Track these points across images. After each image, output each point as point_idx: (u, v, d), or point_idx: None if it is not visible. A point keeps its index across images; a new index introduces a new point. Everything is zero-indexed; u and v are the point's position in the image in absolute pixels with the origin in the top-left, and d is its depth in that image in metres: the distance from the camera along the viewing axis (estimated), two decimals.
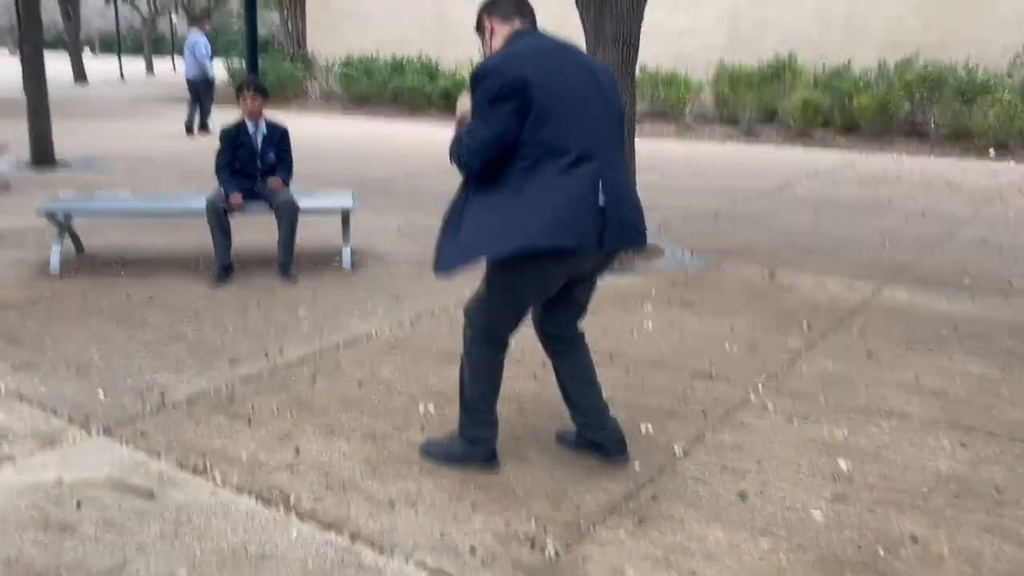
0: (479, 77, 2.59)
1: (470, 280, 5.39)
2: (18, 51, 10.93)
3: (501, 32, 2.79)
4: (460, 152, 2.62)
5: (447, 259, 2.63)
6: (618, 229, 2.63)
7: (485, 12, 2.84)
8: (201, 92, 13.89)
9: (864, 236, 6.92)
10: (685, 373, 3.91)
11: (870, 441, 3.23)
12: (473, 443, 2.93)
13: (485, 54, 2.85)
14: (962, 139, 13.33)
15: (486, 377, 2.87)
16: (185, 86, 14.23)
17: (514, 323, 2.84)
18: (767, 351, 4.22)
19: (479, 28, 2.89)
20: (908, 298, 5.17)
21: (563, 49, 2.71)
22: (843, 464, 3.04)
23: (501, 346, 2.88)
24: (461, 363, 2.93)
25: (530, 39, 2.72)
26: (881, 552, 2.50)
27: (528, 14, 2.84)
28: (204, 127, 13.92)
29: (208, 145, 11.55)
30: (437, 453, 3.01)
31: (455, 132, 2.76)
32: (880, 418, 3.44)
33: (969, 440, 3.25)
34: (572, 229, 2.53)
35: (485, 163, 2.58)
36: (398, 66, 18.94)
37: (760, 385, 3.78)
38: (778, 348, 4.26)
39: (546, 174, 2.55)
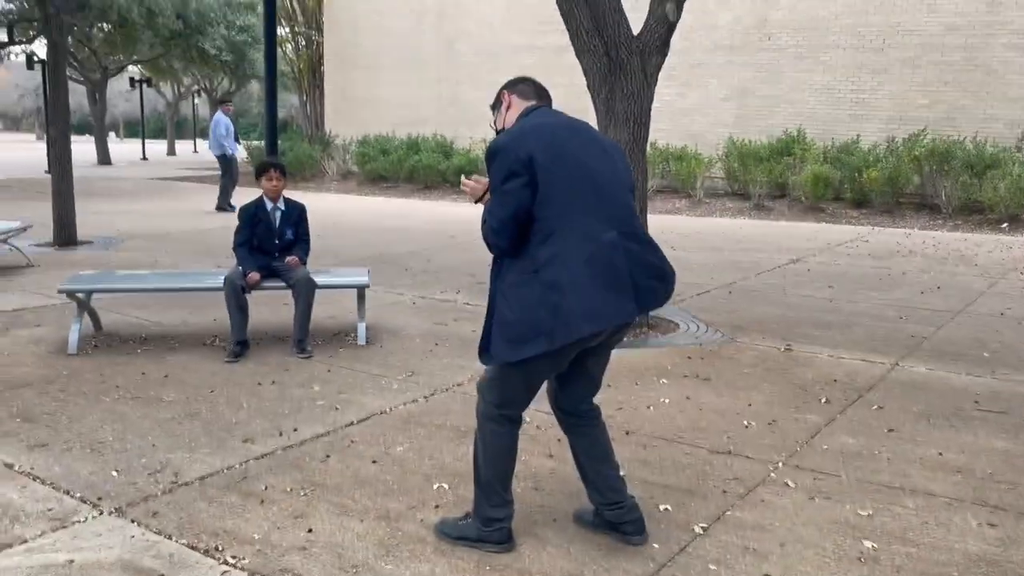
0: (491, 155, 2.68)
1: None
2: (44, 136, 11.25)
3: (517, 107, 2.90)
4: (485, 233, 2.71)
5: (494, 354, 2.71)
6: (640, 296, 2.67)
7: (506, 88, 2.96)
8: (220, 170, 14.29)
9: (879, 310, 6.89)
10: (703, 449, 3.85)
11: (895, 521, 3.15)
12: (488, 524, 2.88)
13: (497, 127, 2.95)
14: (974, 212, 13.38)
15: (501, 455, 2.85)
16: (210, 164, 14.74)
17: (528, 400, 2.83)
18: (786, 426, 4.16)
19: (496, 104, 2.99)
20: (927, 372, 5.12)
21: (573, 125, 2.80)
22: (869, 545, 2.96)
23: (515, 422, 2.87)
24: (475, 441, 2.92)
25: (541, 116, 2.81)
26: None
27: (545, 97, 2.95)
28: (221, 206, 14.20)
29: (225, 222, 11.76)
30: (452, 533, 2.96)
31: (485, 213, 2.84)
32: (905, 496, 3.36)
33: (998, 519, 3.16)
34: (601, 315, 2.59)
35: (510, 240, 2.66)
36: (413, 145, 19.36)
37: (780, 462, 3.71)
38: (797, 423, 4.20)
39: (566, 252, 2.59)
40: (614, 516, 2.94)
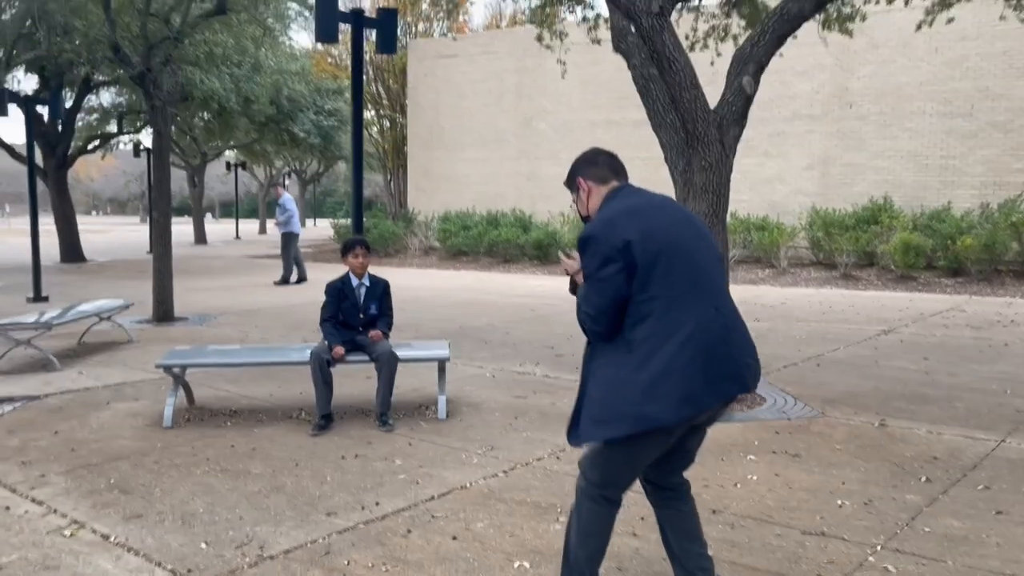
0: (584, 243, 2.65)
1: (559, 433, 5.32)
2: (147, 218, 11.93)
3: (597, 193, 2.84)
4: (582, 320, 2.69)
5: (581, 433, 2.66)
6: (739, 376, 2.63)
7: (580, 175, 2.89)
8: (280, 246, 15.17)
9: (981, 383, 6.55)
10: (795, 530, 3.69)
11: None
12: None
13: (580, 212, 2.93)
14: None
15: (595, 534, 2.78)
16: (300, 244, 15.67)
17: (630, 481, 2.77)
18: (884, 507, 3.95)
19: (572, 186, 2.94)
20: None
21: (659, 203, 2.77)
22: None
23: (614, 503, 2.79)
24: (570, 517, 2.84)
25: (627, 197, 2.77)
26: None
27: (621, 172, 2.91)
28: (281, 280, 14.92)
29: (313, 298, 12.14)
30: None
31: (579, 298, 2.79)
32: None
33: None
34: (698, 398, 2.54)
35: (608, 326, 2.63)
36: (493, 220, 19.72)
37: (879, 545, 3.52)
38: (895, 504, 3.99)
39: (662, 334, 2.55)
40: None
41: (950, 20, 9.25)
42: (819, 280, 14.44)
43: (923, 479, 4.34)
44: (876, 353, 7.83)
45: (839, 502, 4.02)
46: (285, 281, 15.04)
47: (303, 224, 15.58)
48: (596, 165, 2.87)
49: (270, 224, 47.31)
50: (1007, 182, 14.51)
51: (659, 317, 2.56)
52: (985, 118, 14.74)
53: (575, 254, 2.88)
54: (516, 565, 3.37)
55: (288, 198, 15.31)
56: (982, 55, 14.72)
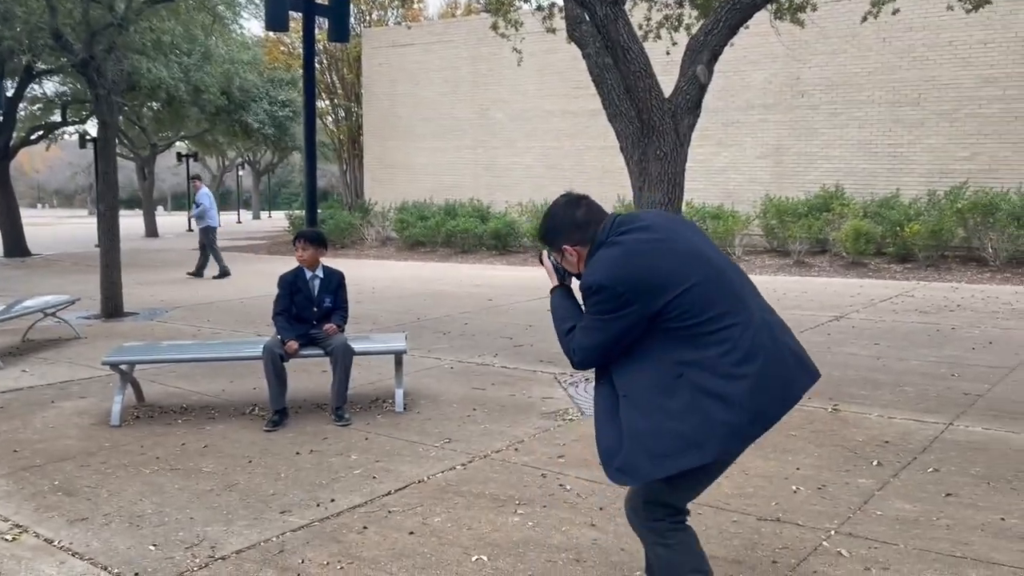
0: (592, 291, 2.41)
1: (518, 424, 5.31)
2: (95, 211, 11.63)
3: (587, 250, 2.55)
4: (573, 348, 2.50)
5: (642, 470, 2.39)
6: (806, 372, 2.47)
7: (567, 243, 2.57)
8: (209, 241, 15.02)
9: (930, 367, 6.69)
10: (751, 517, 3.71)
11: None
12: None
13: (569, 271, 2.67)
14: (1023, 264, 13.06)
15: (692, 554, 2.55)
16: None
17: (694, 497, 2.59)
18: (837, 492, 4.00)
19: (555, 249, 2.64)
20: (984, 432, 4.92)
21: (663, 223, 2.51)
22: None
23: (685, 519, 2.59)
24: (661, 566, 2.57)
25: (627, 234, 2.47)
26: None
27: (601, 213, 2.59)
28: (220, 274, 14.84)
29: (267, 291, 11.95)
30: None
31: (558, 308, 2.64)
32: (967, 567, 3.19)
33: None
34: (769, 413, 2.37)
35: (601, 363, 2.47)
36: (451, 210, 19.61)
37: (832, 529, 3.56)
38: (848, 488, 4.04)
39: (722, 351, 2.34)
40: None
41: (896, 11, 9.41)
42: (773, 267, 14.64)
43: (875, 463, 4.40)
44: (828, 339, 7.95)
45: (794, 488, 4.07)
46: (224, 275, 14.86)
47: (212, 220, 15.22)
48: (582, 229, 2.54)
49: (224, 217, 46.50)
50: (952, 170, 14.86)
51: (707, 339, 2.34)
52: (931, 107, 15.06)
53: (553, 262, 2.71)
54: (474, 559, 3.34)
55: (205, 192, 15.13)
56: (928, 45, 15.02)
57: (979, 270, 13.20)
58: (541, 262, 2.78)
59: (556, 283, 2.71)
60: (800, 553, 3.34)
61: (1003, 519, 3.64)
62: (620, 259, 2.41)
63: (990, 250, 13.36)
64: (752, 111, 16.83)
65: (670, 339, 2.38)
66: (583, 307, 2.52)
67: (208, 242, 15.11)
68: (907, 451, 4.59)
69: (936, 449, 4.62)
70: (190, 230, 29.33)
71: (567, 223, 2.57)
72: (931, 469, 4.29)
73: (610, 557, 3.33)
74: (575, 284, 2.68)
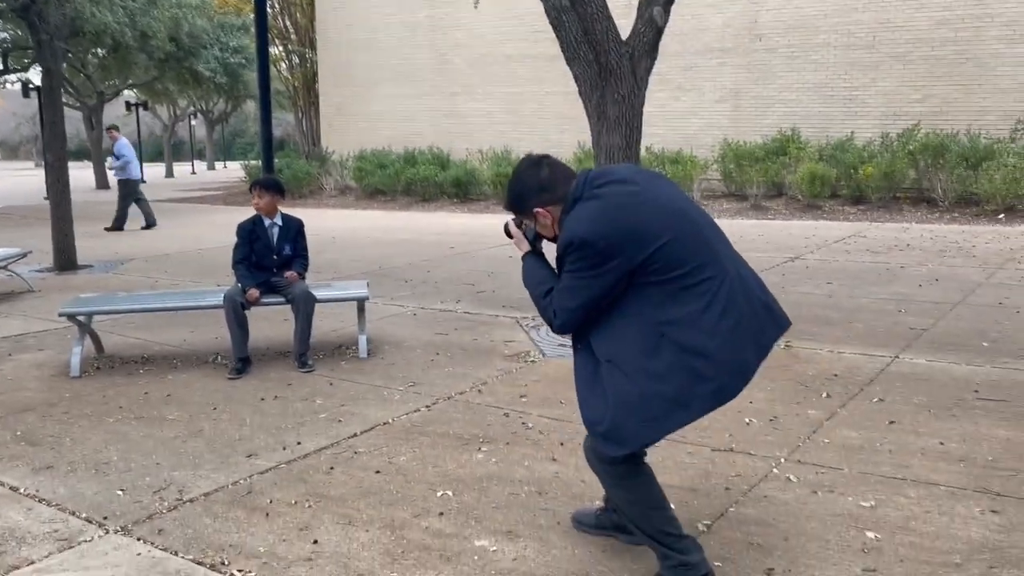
0: (574, 247, 2.39)
1: (481, 367, 5.40)
2: (42, 162, 11.32)
3: (559, 210, 2.54)
4: (554, 311, 2.48)
5: (630, 437, 2.41)
6: (775, 320, 2.51)
7: (538, 205, 2.55)
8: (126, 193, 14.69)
9: (878, 304, 6.91)
10: (705, 448, 3.86)
11: (898, 511, 3.16)
12: (690, 570, 2.55)
13: (543, 235, 2.65)
14: (971, 204, 13.41)
15: (652, 493, 2.61)
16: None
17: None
18: (788, 423, 4.17)
19: (526, 214, 2.61)
20: (927, 364, 5.13)
21: (630, 176, 2.50)
22: (871, 536, 2.97)
23: (641, 459, 2.63)
24: (621, 506, 2.65)
25: (597, 190, 2.45)
26: None
27: (568, 172, 2.57)
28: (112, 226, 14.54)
29: (224, 242, 11.82)
30: None
31: (532, 274, 2.62)
32: (907, 487, 3.37)
33: (999, 506, 3.17)
34: (749, 365, 2.41)
35: (580, 323, 2.46)
36: (410, 158, 19.43)
37: (782, 458, 3.72)
38: (799, 420, 4.21)
39: (701, 307, 2.36)
40: (622, 518, 2.94)
41: None
42: (731, 211, 14.83)
43: (824, 395, 4.58)
44: (783, 280, 8.14)
45: (747, 420, 4.23)
46: (149, 226, 14.62)
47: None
48: (549, 189, 2.52)
49: (178, 168, 45.44)
50: (906, 112, 15.07)
51: (686, 293, 2.36)
52: (886, 50, 15.19)
53: (522, 230, 2.69)
54: (439, 494, 3.44)
55: (123, 143, 14.67)
56: None
57: (929, 210, 13.52)
58: (507, 234, 2.73)
59: (526, 249, 2.69)
60: (751, 480, 3.49)
61: (942, 443, 3.83)
62: (600, 212, 2.38)
63: (940, 191, 13.67)
64: (710, 55, 16.82)
65: (649, 297, 2.37)
66: (558, 269, 2.51)
67: (129, 194, 14.63)
68: (855, 383, 4.78)
69: (882, 381, 4.81)
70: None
71: (533, 185, 2.54)
72: (876, 399, 4.48)
73: (571, 489, 3.45)
74: (548, 250, 2.62)
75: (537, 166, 2.57)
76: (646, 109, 6.21)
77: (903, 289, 7.51)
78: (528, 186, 2.56)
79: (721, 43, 16.70)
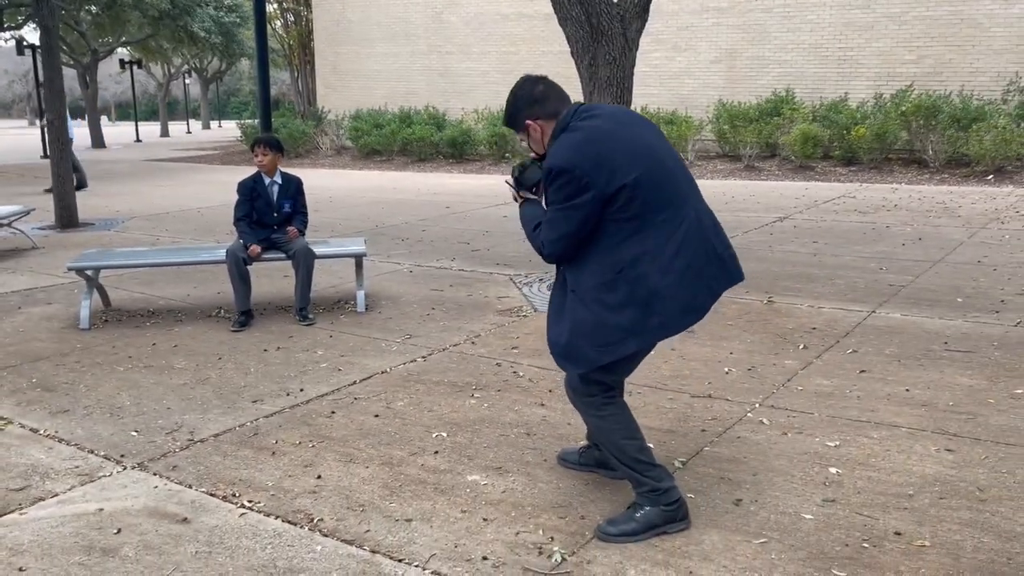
0: (553, 175, 2.56)
1: (475, 321, 5.62)
2: (37, 122, 11.36)
3: (550, 127, 2.73)
4: (542, 242, 2.67)
5: (582, 358, 2.65)
6: (727, 271, 2.71)
7: (529, 117, 2.74)
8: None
9: (861, 262, 7.12)
10: (685, 395, 4.10)
11: (860, 450, 3.40)
12: (665, 497, 2.75)
13: (533, 150, 2.83)
14: (961, 165, 13.56)
15: (627, 424, 2.81)
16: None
17: (625, 376, 2.87)
18: (764, 372, 4.40)
19: (518, 127, 2.80)
20: (902, 318, 5.36)
21: (615, 115, 2.68)
22: (834, 471, 3.21)
23: (618, 394, 2.86)
24: (598, 436, 2.86)
25: (583, 121, 2.65)
26: (867, 547, 2.66)
27: (565, 96, 2.77)
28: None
29: (224, 200, 11.95)
30: (634, 530, 2.75)
31: (526, 214, 2.80)
32: (871, 429, 3.61)
33: (955, 446, 3.42)
34: (699, 305, 2.61)
35: (569, 252, 2.64)
36: (406, 118, 19.47)
37: (757, 403, 3.96)
38: (775, 369, 4.45)
39: (653, 248, 2.56)
40: (603, 455, 3.18)
41: None
42: (724, 172, 14.97)
43: (801, 347, 4.81)
44: (771, 239, 8.34)
45: (726, 369, 4.46)
46: (80, 188, 14.47)
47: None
48: (541, 102, 2.72)
49: (173, 127, 45.14)
50: (899, 73, 15.15)
51: (647, 231, 2.56)
52: (881, 10, 15.21)
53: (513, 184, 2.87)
54: (435, 435, 3.68)
55: None
56: None
57: (919, 171, 13.68)
58: (513, 190, 2.91)
59: (521, 199, 2.89)
60: (727, 423, 3.73)
61: (907, 390, 4.07)
62: (579, 143, 2.56)
63: (930, 152, 13.82)
64: (706, 15, 16.81)
65: (613, 233, 2.57)
66: (546, 204, 2.71)
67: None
68: (831, 336, 5.01)
69: (857, 334, 5.04)
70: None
71: (527, 97, 2.73)
72: (850, 351, 4.71)
73: (557, 430, 3.69)
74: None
75: (534, 82, 2.76)
76: (641, 69, 6.35)
77: (886, 248, 7.72)
78: (522, 98, 2.75)
79: (717, 3, 16.68)
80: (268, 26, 22.96)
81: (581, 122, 2.65)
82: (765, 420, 3.74)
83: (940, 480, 3.12)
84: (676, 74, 17.25)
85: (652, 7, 6.42)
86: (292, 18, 27.62)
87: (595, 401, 2.82)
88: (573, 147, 2.57)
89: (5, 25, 22.13)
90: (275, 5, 27.39)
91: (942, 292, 5.99)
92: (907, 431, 3.58)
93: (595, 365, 2.66)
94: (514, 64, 19.18)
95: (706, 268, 2.64)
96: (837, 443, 3.47)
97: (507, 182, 2.99)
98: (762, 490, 3.08)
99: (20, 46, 25.25)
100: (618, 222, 2.57)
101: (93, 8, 23.21)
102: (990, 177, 12.84)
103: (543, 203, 2.78)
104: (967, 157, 13.38)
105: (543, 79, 2.79)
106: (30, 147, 28.00)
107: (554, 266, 2.82)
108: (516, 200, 2.92)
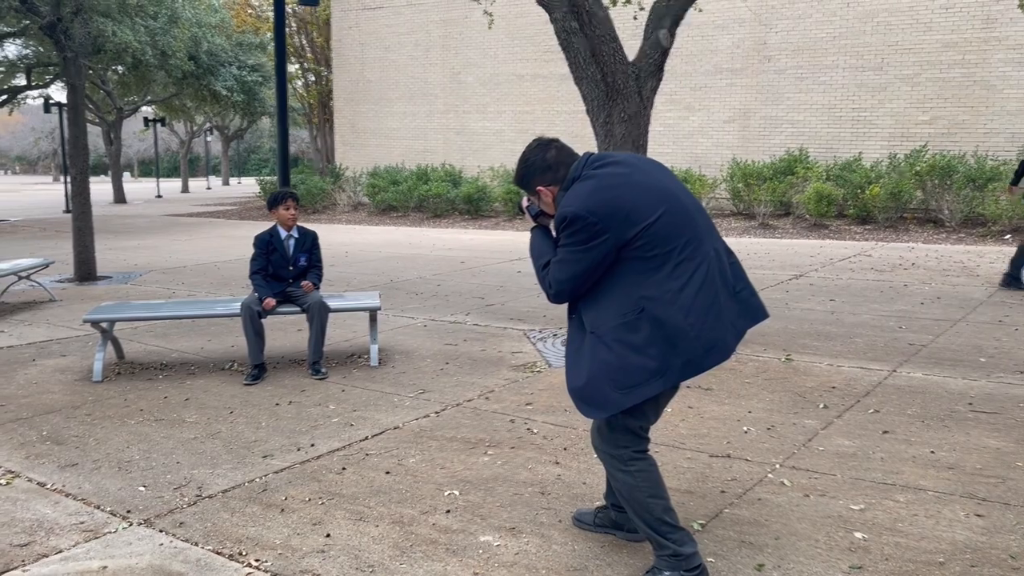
0: (567, 222, 2.56)
1: (488, 376, 5.56)
2: (61, 178, 11.57)
3: (556, 186, 2.75)
4: (548, 282, 2.66)
5: (607, 403, 2.59)
6: (751, 309, 2.70)
7: (540, 184, 2.75)
8: None
9: (879, 320, 7.03)
10: (703, 454, 4.00)
11: (886, 514, 3.29)
12: (686, 563, 2.68)
13: (544, 210, 2.83)
14: (977, 225, 13.51)
15: (654, 484, 2.74)
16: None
17: (651, 425, 2.79)
18: (784, 431, 4.30)
19: (529, 191, 2.82)
20: (923, 377, 5.25)
21: (627, 160, 2.68)
22: (859, 536, 3.10)
23: (646, 450, 2.79)
24: (622, 493, 2.76)
25: (600, 168, 2.65)
26: None
27: (572, 154, 2.77)
28: None
29: (241, 255, 12.02)
30: None
31: (535, 246, 2.80)
32: (896, 492, 3.50)
33: (984, 510, 3.30)
34: (723, 344, 2.57)
35: (576, 294, 2.63)
36: (422, 175, 19.69)
37: (777, 464, 3.86)
38: (795, 428, 4.35)
39: (674, 287, 2.53)
40: (620, 516, 3.09)
41: None
42: (739, 229, 14.97)
43: (821, 406, 4.72)
44: (787, 296, 8.28)
45: (745, 429, 4.36)
46: None
47: None
48: (553, 169, 2.73)
49: (194, 183, 45.88)
50: (913, 133, 15.22)
51: (667, 270, 2.54)
52: (894, 72, 15.37)
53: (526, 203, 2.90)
54: (447, 493, 3.59)
55: None
56: (890, 10, 15.28)
57: (935, 231, 13.63)
58: (520, 209, 2.98)
59: (533, 225, 2.90)
60: (747, 484, 3.63)
61: (932, 452, 3.96)
62: (593, 191, 2.57)
63: (946, 211, 13.78)
64: (720, 75, 17.04)
65: (633, 273, 2.55)
66: (558, 242, 2.70)
67: None
68: (852, 395, 4.91)
69: (878, 393, 4.94)
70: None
71: (538, 164, 2.74)
72: (872, 410, 4.61)
73: (572, 490, 3.60)
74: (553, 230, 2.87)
75: (545, 148, 2.77)
76: (656, 128, 6.40)
77: (905, 307, 7.63)
78: (533, 165, 2.76)
79: (730, 64, 16.92)
80: (288, 85, 23.49)
81: (594, 171, 2.66)
82: (786, 481, 3.64)
83: (971, 547, 3.00)
84: (690, 133, 17.41)
85: (666, 68, 6.50)
86: (313, 78, 28.24)
87: (623, 455, 2.73)
88: (586, 194, 2.57)
89: (33, 84, 22.74)
90: (296, 65, 28.04)
91: (964, 352, 5.89)
92: (934, 495, 3.46)
93: (619, 408, 2.59)
94: (529, 123, 19.44)
95: (728, 307, 2.61)
96: (862, 506, 3.36)
97: (520, 205, 2.99)
98: (785, 555, 2.97)
99: (47, 104, 25.89)
100: (638, 261, 2.55)
101: (120, 68, 23.82)
102: (1007, 236, 12.77)
103: (553, 233, 2.78)
104: (983, 216, 13.33)
105: (554, 143, 2.78)
106: (53, 202, 28.50)
107: (567, 319, 2.79)
108: (529, 223, 2.92)
